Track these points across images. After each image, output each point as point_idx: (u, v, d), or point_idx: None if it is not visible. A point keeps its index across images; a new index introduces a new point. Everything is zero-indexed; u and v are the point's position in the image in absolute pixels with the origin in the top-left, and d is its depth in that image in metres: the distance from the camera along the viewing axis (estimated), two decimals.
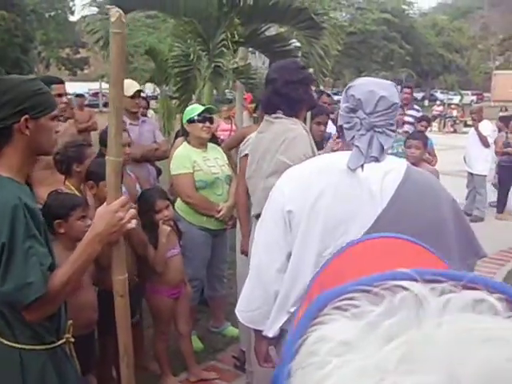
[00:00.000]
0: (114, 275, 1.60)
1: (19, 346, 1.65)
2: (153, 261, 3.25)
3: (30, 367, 1.67)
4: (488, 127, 8.18)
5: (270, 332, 1.85)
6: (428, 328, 0.29)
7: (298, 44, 6.70)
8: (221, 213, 3.76)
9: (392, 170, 1.65)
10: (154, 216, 3.26)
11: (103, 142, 3.68)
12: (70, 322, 1.86)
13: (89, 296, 2.64)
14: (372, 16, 38.76)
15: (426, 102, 37.24)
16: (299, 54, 6.48)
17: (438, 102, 30.13)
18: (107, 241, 1.59)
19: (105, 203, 1.61)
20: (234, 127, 9.49)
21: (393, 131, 1.71)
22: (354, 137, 1.69)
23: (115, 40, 1.41)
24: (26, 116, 1.60)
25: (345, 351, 0.30)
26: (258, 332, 1.94)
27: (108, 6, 1.35)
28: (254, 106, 9.48)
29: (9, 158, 1.62)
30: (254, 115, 7.24)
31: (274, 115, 2.81)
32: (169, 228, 3.32)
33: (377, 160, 1.67)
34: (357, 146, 1.67)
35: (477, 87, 45.81)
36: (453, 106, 26.02)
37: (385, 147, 1.66)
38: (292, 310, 1.76)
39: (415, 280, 0.32)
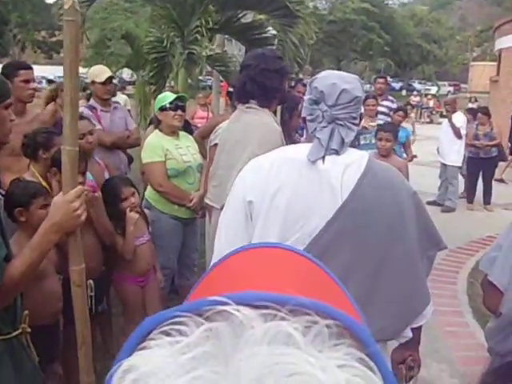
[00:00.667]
0: (71, 265, 1.58)
1: None
2: (121, 249, 3.23)
3: None
4: (461, 118, 8.26)
5: None
6: (234, 361, 0.28)
7: (274, 32, 6.67)
8: (192, 202, 3.74)
9: (353, 163, 1.66)
10: (120, 204, 3.23)
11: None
12: (26, 312, 1.83)
13: (53, 285, 2.61)
14: (352, 5, 38.80)
15: (404, 92, 37.48)
16: (275, 42, 6.46)
17: (415, 93, 30.37)
18: (64, 231, 1.57)
19: (60, 193, 1.58)
20: (210, 114, 9.46)
21: (355, 124, 1.71)
22: (315, 129, 1.69)
23: (68, 28, 1.38)
24: None
25: (145, 383, 0.29)
26: None
27: None
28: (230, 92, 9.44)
29: None
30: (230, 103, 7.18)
31: (246, 105, 2.79)
32: (136, 215, 3.29)
33: (337, 153, 1.67)
34: (318, 138, 1.67)
35: (454, 78, 46.24)
36: (429, 97, 26.27)
37: (345, 140, 1.66)
38: None
39: (249, 305, 0.31)
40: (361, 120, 1.78)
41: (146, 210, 3.69)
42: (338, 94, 1.66)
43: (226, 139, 2.88)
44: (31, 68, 3.61)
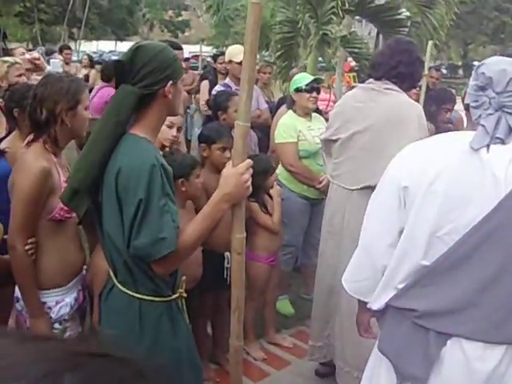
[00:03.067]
0: (234, 233, 1.68)
1: (139, 296, 1.76)
2: (270, 223, 3.39)
3: (148, 316, 1.78)
4: None
5: (375, 305, 1.87)
6: None
7: (408, 14, 6.47)
8: (322, 183, 3.79)
9: None
10: (269, 178, 3.37)
11: (217, 105, 3.81)
12: (184, 277, 1.97)
13: (196, 252, 2.79)
14: None
15: None
16: (408, 24, 6.27)
17: None
18: (233, 201, 1.67)
19: (229, 165, 1.69)
20: (332, 97, 9.39)
21: None
22: (480, 116, 1.65)
23: (253, 10, 1.46)
24: (171, 81, 1.71)
25: None
26: (362, 303, 1.98)
27: None
28: (353, 75, 9.31)
29: (148, 120, 1.73)
30: (353, 84, 7.12)
31: (384, 85, 2.81)
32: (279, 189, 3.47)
33: (503, 142, 1.62)
34: (482, 126, 1.63)
35: None
36: None
37: None
38: (400, 286, 1.77)
39: None
40: None
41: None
42: (508, 81, 1.61)
43: (362, 120, 2.87)
44: (182, 48, 3.81)
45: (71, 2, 20.01)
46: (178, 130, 3.10)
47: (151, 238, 1.60)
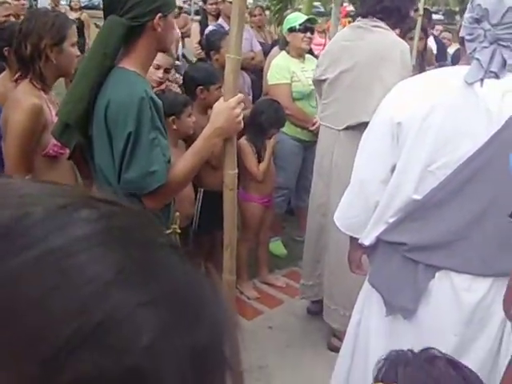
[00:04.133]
0: (226, 169, 1.68)
1: None
2: (256, 171, 3.37)
3: None
4: None
5: (367, 240, 1.90)
6: None
7: None
8: (315, 125, 3.76)
9: None
10: (270, 130, 3.39)
11: (210, 44, 3.74)
12: (177, 213, 1.98)
13: (188, 190, 2.80)
14: None
15: None
16: None
17: None
18: (225, 135, 1.67)
19: (221, 99, 1.67)
20: (328, 41, 9.22)
21: None
22: (475, 49, 1.63)
23: None
24: (160, 14, 1.67)
25: None
26: (353, 240, 2.01)
27: None
28: (349, 20, 9.11)
29: (137, 53, 1.70)
30: None
31: (372, 23, 2.76)
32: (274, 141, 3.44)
33: (496, 76, 1.61)
34: (477, 59, 1.61)
35: None
36: None
37: (508, 62, 1.59)
38: (390, 220, 1.80)
39: None
40: None
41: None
42: (505, 12, 1.57)
43: (349, 59, 2.82)
44: None
45: None
46: (166, 71, 3.04)
47: (141, 172, 1.61)
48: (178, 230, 1.98)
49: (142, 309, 0.28)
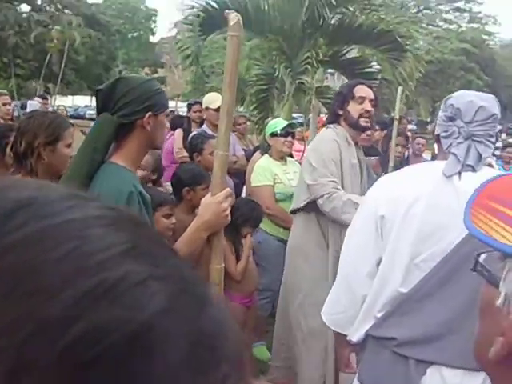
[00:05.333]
0: (212, 264, 1.67)
1: None
2: (233, 270, 3.33)
3: None
4: None
5: (355, 337, 1.86)
6: None
7: (379, 67, 6.73)
8: None
9: None
10: (244, 228, 3.37)
11: (193, 147, 3.85)
12: None
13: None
14: (450, 45, 38.04)
15: (504, 136, 35.91)
16: (379, 77, 6.50)
17: None
18: (212, 230, 1.68)
19: (209, 194, 1.71)
20: (306, 148, 9.57)
21: (492, 142, 1.72)
22: (450, 144, 1.72)
23: (232, 42, 1.51)
24: (150, 113, 1.74)
25: None
26: (341, 337, 1.96)
27: (227, 11, 1.45)
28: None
29: (127, 150, 1.75)
30: None
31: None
32: (250, 239, 3.43)
33: (473, 169, 1.68)
34: (454, 154, 1.69)
35: None
36: None
37: (483, 156, 1.67)
38: (378, 315, 1.78)
39: None
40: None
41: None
42: (476, 111, 1.68)
43: None
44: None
45: (48, 58, 20.26)
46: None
47: None
48: None
49: (153, 281, 0.30)
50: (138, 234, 0.32)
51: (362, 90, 3.01)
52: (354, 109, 2.98)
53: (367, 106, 2.97)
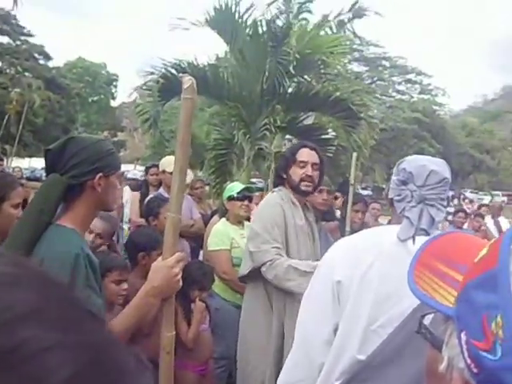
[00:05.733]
0: (163, 331, 1.60)
1: None
2: (185, 337, 3.20)
3: None
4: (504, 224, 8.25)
5: None
6: None
7: (334, 133, 6.91)
8: None
9: None
10: (192, 291, 3.26)
11: (149, 211, 3.78)
12: None
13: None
14: (403, 114, 39.70)
15: (456, 201, 37.04)
16: (335, 143, 6.67)
17: (466, 201, 30.00)
18: (162, 295, 1.61)
19: (159, 258, 1.65)
20: None
21: (444, 206, 1.74)
22: (404, 208, 1.72)
23: (186, 105, 1.51)
24: (101, 174, 1.69)
25: None
26: None
27: (181, 74, 1.47)
28: None
29: (76, 212, 1.69)
30: None
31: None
32: (204, 305, 3.31)
33: (426, 233, 1.68)
34: (407, 218, 1.69)
35: (508, 188, 45.63)
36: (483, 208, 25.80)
37: (436, 219, 1.68)
38: (336, 383, 1.72)
39: None
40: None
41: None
42: (427, 175, 1.70)
43: None
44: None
45: (6, 119, 20.06)
46: (99, 236, 3.09)
47: None
48: None
49: (60, 349, 0.26)
50: (46, 295, 0.29)
51: (304, 154, 3.04)
52: (295, 173, 3.01)
53: (308, 170, 2.99)
